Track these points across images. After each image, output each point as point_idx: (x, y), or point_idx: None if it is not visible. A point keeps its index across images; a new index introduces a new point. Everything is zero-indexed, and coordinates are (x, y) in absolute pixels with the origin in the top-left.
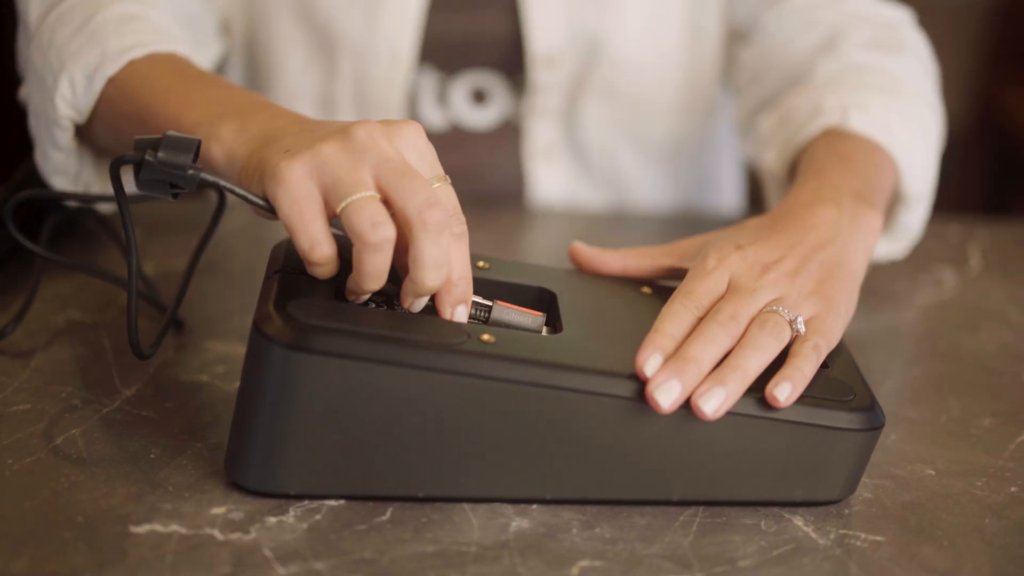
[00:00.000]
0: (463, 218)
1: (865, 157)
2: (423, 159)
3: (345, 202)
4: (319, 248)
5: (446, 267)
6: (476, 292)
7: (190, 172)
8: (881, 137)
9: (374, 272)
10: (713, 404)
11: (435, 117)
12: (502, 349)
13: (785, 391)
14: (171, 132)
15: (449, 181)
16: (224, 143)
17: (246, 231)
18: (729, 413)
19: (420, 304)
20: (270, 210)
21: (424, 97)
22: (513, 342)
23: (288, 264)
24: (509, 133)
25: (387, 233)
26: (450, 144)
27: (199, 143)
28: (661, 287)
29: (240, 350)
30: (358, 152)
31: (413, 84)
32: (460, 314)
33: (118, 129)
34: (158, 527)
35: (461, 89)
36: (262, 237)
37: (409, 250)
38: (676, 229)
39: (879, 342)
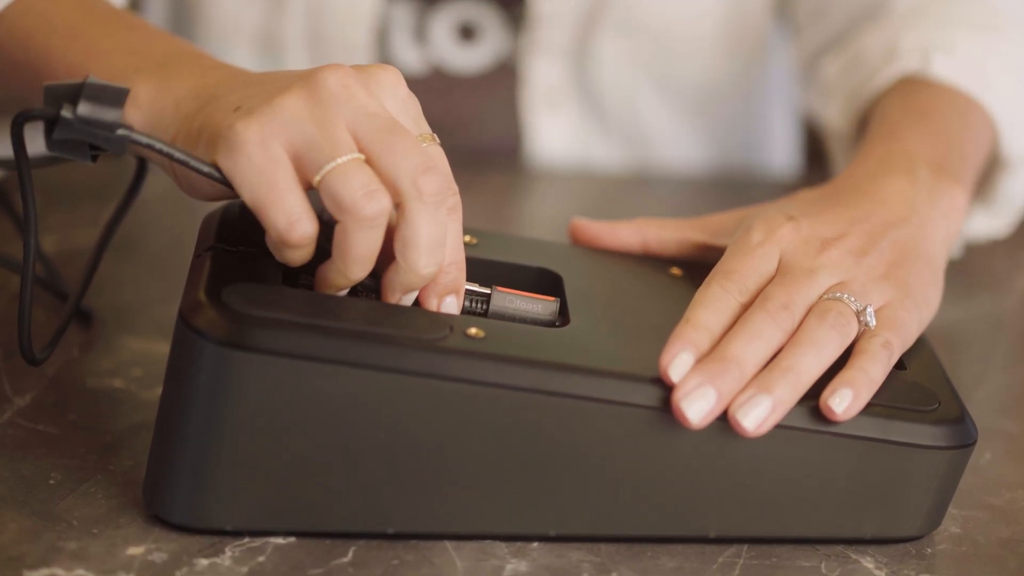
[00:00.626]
0: (456, 187)
1: (951, 113)
2: (406, 113)
3: (326, 168)
4: (300, 225)
5: (443, 248)
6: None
7: (120, 132)
8: (972, 86)
9: (364, 255)
10: (756, 416)
11: (411, 57)
12: (493, 346)
13: (845, 399)
14: (93, 78)
15: (438, 141)
16: (143, 106)
17: (170, 197)
18: (778, 427)
19: (409, 299)
20: (223, 182)
21: (397, 33)
22: (506, 337)
23: (224, 238)
24: (504, 76)
25: (384, 203)
26: (431, 91)
27: (127, 92)
28: (694, 266)
29: (162, 348)
30: (331, 104)
31: (383, 17)
32: (450, 306)
33: (5, 79)
34: (59, 571)
35: (444, 23)
36: (191, 205)
37: (397, 229)
38: (713, 195)
39: (971, 336)
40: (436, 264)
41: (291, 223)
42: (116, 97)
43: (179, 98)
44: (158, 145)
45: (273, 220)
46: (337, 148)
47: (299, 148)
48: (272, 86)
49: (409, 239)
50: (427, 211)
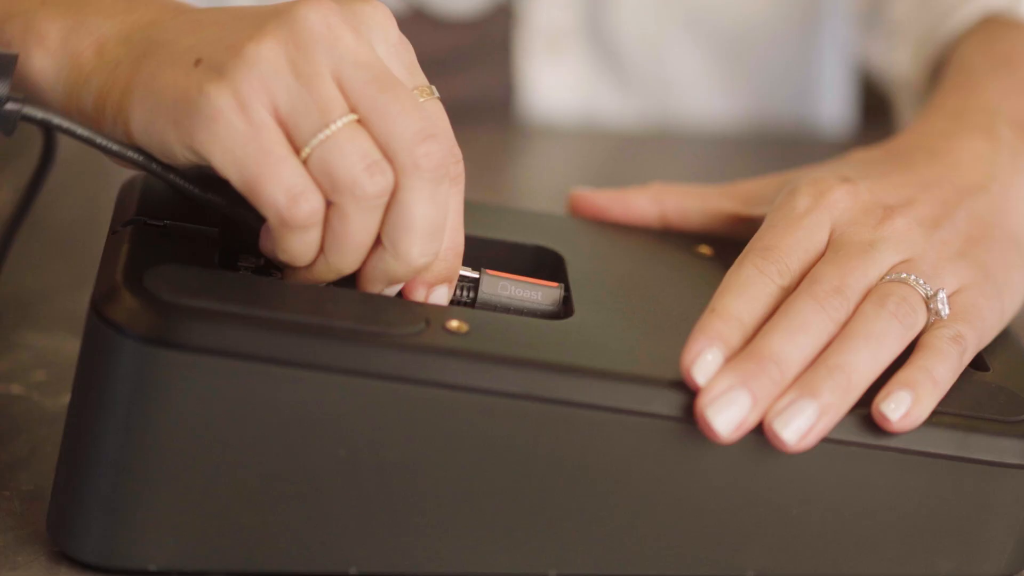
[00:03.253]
0: (458, 152)
1: None
2: (398, 60)
3: (318, 137)
4: (305, 198)
5: (442, 233)
6: None
7: (8, 107)
8: None
9: (363, 242)
10: (799, 427)
11: None
12: (478, 342)
13: (902, 404)
14: None
15: (436, 94)
16: (53, 50)
17: (81, 159)
18: (826, 441)
19: (392, 291)
20: (141, 165)
21: None
22: (495, 331)
23: (147, 210)
24: (498, 17)
25: (389, 177)
26: (410, 34)
27: (16, 59)
28: (727, 244)
29: (71, 346)
30: (315, 51)
31: None
32: (439, 297)
33: None
34: None
35: None
36: (107, 169)
37: (389, 207)
38: (748, 156)
39: None
40: (432, 253)
41: (293, 197)
42: (2, 65)
43: (101, 40)
44: (56, 121)
45: (270, 197)
46: (328, 111)
47: (283, 111)
48: (236, 28)
49: (402, 222)
50: (426, 189)
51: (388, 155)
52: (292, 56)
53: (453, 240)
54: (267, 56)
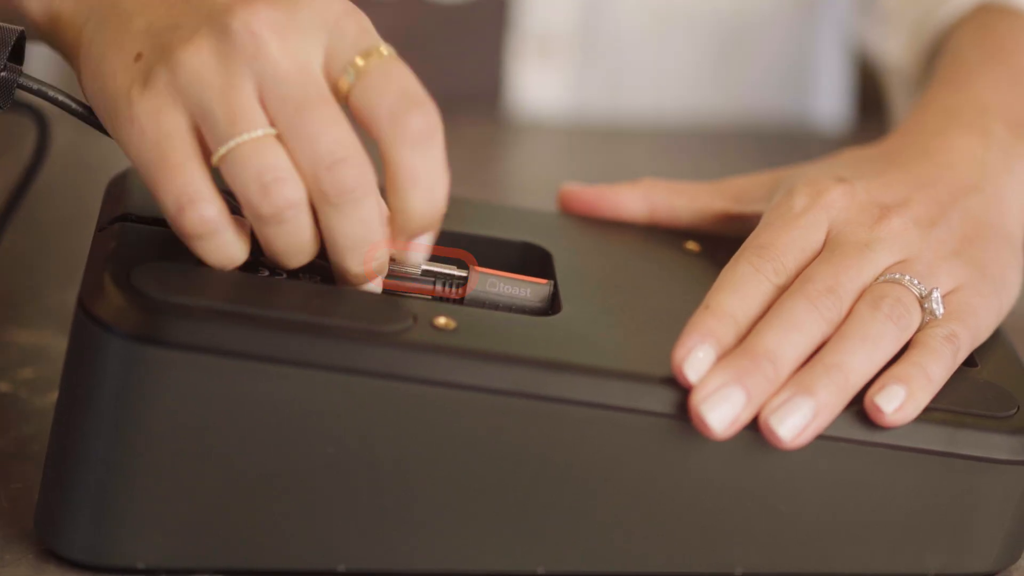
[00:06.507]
0: (429, 104)
1: None
2: (342, 39)
3: (222, 150)
4: (193, 208)
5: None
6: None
7: (1, 75)
8: None
9: (285, 250)
10: (795, 423)
11: None
12: (466, 339)
13: (895, 398)
14: None
15: (389, 52)
16: None
17: (70, 154)
18: (820, 438)
19: (375, 286)
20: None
21: None
22: (483, 328)
23: (135, 207)
24: (489, 10)
25: (286, 196)
26: (398, 20)
27: (22, 34)
28: (715, 240)
29: (59, 343)
30: (237, 62)
31: None
32: (419, 248)
33: None
34: None
35: None
36: (95, 165)
37: (319, 222)
38: (737, 152)
39: None
40: (378, 258)
41: (180, 206)
42: (3, 38)
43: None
44: (51, 94)
45: (162, 202)
46: (236, 123)
47: (199, 118)
48: (179, 18)
49: (327, 240)
50: (338, 215)
51: (301, 175)
52: (216, 65)
53: (431, 197)
54: (191, 65)
